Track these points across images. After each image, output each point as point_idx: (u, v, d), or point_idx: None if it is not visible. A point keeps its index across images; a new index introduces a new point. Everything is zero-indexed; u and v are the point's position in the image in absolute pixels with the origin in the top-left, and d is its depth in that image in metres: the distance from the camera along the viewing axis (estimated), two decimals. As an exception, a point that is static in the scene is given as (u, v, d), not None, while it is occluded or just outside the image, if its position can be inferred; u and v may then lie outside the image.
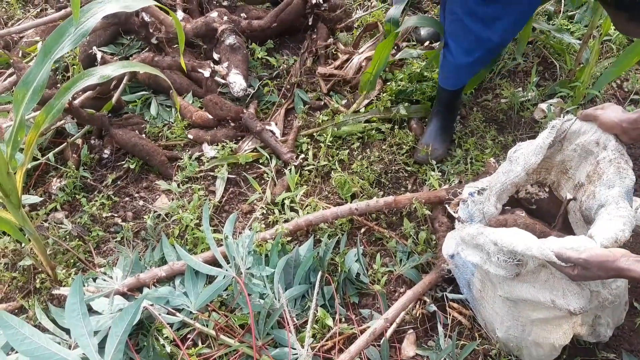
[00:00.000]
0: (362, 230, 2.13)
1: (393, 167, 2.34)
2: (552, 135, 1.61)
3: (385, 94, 2.61)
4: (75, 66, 2.80)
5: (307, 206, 2.18)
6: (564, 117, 1.67)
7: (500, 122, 2.54)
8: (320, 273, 1.86)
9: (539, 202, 1.84)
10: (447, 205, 1.94)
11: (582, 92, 2.48)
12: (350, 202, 2.15)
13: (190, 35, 2.79)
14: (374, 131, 2.47)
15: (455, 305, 1.85)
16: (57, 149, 2.41)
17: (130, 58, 2.82)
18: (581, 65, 2.60)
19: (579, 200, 1.66)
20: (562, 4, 3.08)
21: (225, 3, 3.05)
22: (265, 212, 2.20)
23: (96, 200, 2.23)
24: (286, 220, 2.11)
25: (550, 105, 2.49)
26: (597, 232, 1.39)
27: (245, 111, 2.48)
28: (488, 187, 1.72)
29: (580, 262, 1.30)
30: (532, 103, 2.59)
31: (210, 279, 1.88)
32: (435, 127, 2.40)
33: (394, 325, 1.76)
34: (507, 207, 1.76)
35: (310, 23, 2.99)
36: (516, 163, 1.63)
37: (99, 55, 2.56)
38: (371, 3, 3.34)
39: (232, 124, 2.52)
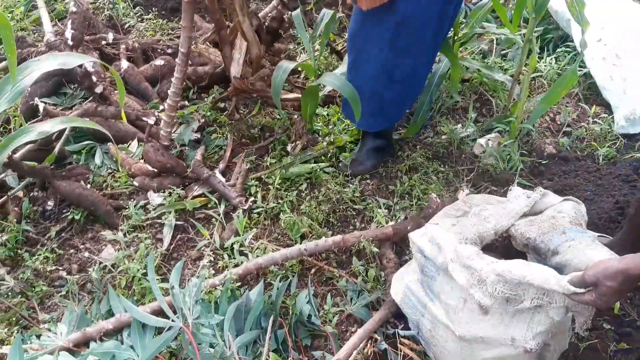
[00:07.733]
0: (313, 270, 2.14)
1: (341, 206, 2.38)
2: (530, 206, 1.72)
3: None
4: (16, 117, 2.75)
5: (256, 249, 2.17)
6: (541, 191, 1.78)
7: (442, 157, 2.63)
8: (272, 317, 1.85)
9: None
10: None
11: (517, 127, 2.60)
12: (300, 243, 2.17)
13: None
14: (320, 172, 2.51)
15: (406, 341, 1.86)
16: (-4, 203, 2.34)
17: (74, 108, 2.79)
18: (514, 101, 2.73)
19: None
20: (495, 43, 3.25)
21: (169, 51, 3.08)
22: (214, 258, 2.18)
23: (39, 254, 2.17)
24: (236, 265, 2.10)
25: (489, 140, 2.60)
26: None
27: (188, 170, 2.47)
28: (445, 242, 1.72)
29: (591, 279, 1.29)
30: (471, 138, 2.69)
31: (159, 329, 1.85)
32: (363, 147, 2.58)
33: (346, 365, 1.76)
34: None
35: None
36: (486, 221, 1.70)
37: (41, 106, 2.53)
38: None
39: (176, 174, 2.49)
